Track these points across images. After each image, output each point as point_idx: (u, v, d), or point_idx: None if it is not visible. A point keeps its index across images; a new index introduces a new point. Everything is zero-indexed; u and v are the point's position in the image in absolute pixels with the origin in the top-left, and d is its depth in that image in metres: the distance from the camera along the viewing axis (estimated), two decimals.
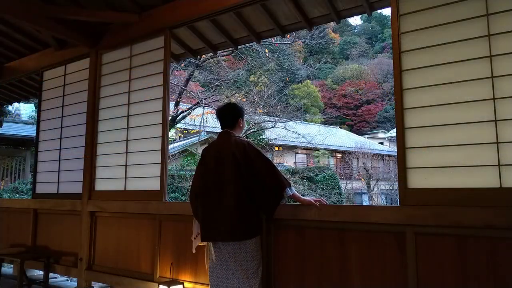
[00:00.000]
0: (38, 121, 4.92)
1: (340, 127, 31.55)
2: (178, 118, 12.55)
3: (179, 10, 3.59)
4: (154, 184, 3.55)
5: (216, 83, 13.29)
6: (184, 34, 4.00)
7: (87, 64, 4.32)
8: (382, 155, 23.46)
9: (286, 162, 20.45)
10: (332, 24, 23.32)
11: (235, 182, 2.50)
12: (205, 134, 13.12)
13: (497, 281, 2.04)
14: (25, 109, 15.44)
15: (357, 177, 21.02)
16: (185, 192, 10.30)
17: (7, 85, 5.86)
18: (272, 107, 13.87)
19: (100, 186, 4.03)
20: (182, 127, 14.57)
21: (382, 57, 38.47)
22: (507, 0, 2.20)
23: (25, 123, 13.29)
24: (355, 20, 54.77)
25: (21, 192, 9.59)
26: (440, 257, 2.21)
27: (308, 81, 30.95)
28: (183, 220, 3.22)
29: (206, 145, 2.85)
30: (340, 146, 24.53)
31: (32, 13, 3.76)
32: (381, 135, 32.13)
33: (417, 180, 2.36)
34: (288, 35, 11.50)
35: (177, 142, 14.52)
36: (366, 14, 3.48)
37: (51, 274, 4.26)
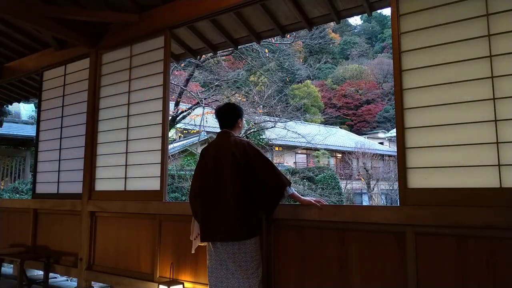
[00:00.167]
0: (38, 121, 4.92)
1: (340, 127, 31.56)
2: (178, 118, 12.55)
3: (179, 10, 3.59)
4: (154, 184, 3.55)
5: (216, 83, 13.29)
6: (184, 34, 4.00)
7: (87, 64, 4.32)
8: (382, 155, 23.47)
9: (286, 162, 20.45)
10: (332, 24, 23.33)
11: (235, 182, 2.50)
12: (205, 134, 13.12)
13: (497, 281, 2.04)
14: (25, 109, 15.43)
15: (357, 177, 21.02)
16: (185, 192, 10.31)
17: (7, 85, 5.86)
18: (272, 107, 13.88)
19: (100, 186, 4.03)
20: (182, 127, 14.57)
21: (382, 57, 38.48)
22: (507, 0, 2.20)
23: (25, 123, 13.29)
24: (355, 20, 54.84)
25: (21, 192, 9.59)
26: (440, 257, 2.21)
27: (308, 81, 30.94)
28: (183, 220, 3.21)
29: (206, 145, 2.85)
30: (340, 146, 24.54)
31: (32, 13, 3.76)
32: (381, 135, 32.13)
33: (417, 180, 2.36)
34: (288, 35, 11.50)
35: (177, 142, 14.52)
36: (366, 14, 3.48)
37: (51, 274, 4.26)
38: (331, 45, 35.47)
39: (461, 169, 2.24)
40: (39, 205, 4.58)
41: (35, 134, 5.00)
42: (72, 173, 4.33)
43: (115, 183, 3.89)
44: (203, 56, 11.60)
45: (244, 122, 12.45)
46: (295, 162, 22.40)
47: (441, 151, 2.31)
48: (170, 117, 7.52)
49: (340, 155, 24.81)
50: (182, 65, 12.92)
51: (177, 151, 12.80)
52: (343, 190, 17.95)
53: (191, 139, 14.45)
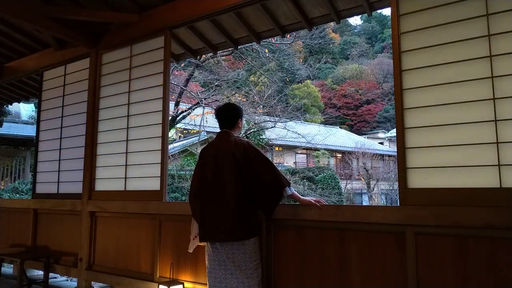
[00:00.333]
0: (38, 121, 4.92)
1: (340, 127, 31.56)
2: (178, 118, 12.55)
3: (179, 10, 3.59)
4: (154, 184, 3.55)
5: (216, 83, 13.29)
6: (184, 34, 4.00)
7: (87, 64, 4.32)
8: (382, 155, 23.47)
9: (286, 162, 20.45)
10: (332, 24, 23.32)
11: (235, 182, 2.50)
12: (205, 134, 13.12)
13: (497, 281, 2.04)
14: (25, 109, 15.43)
15: (357, 177, 21.02)
16: (185, 192, 10.31)
17: (7, 85, 5.86)
18: (272, 107, 13.88)
19: (100, 186, 4.03)
20: (182, 127, 14.58)
21: (382, 57, 38.49)
22: (507, 0, 2.20)
23: (25, 123, 13.29)
24: (355, 20, 54.85)
25: (21, 192, 9.59)
26: (440, 257, 2.21)
27: (308, 81, 30.94)
28: (183, 220, 3.21)
29: (205, 145, 2.84)
30: (340, 146, 24.54)
31: (32, 13, 3.76)
32: (381, 135, 32.14)
33: (417, 180, 2.36)
34: (288, 35, 11.50)
35: (177, 142, 14.52)
36: (366, 14, 3.48)
37: (51, 274, 4.26)
38: (331, 45, 35.48)
39: (461, 169, 2.24)
40: (39, 205, 4.58)
41: (35, 134, 5.00)
42: (72, 173, 4.33)
43: (115, 183, 3.89)
44: (203, 56, 11.60)
45: (244, 122, 12.48)
46: (295, 162, 22.40)
47: (441, 151, 2.31)
48: (170, 117, 7.53)
49: (340, 155, 24.81)
50: (182, 65, 12.92)
51: (177, 151, 12.80)
52: (343, 190, 17.95)
53: (191, 139, 14.45)
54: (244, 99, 13.87)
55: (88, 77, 4.27)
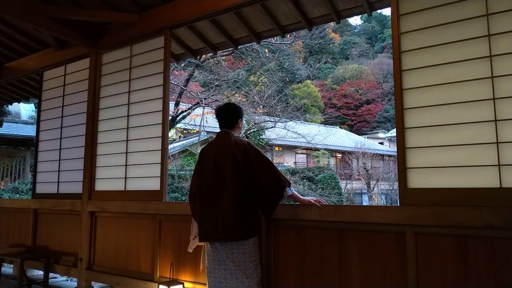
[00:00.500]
0: (38, 121, 4.92)
1: (340, 127, 31.56)
2: (178, 118, 12.55)
3: (179, 10, 3.59)
4: (154, 184, 3.55)
5: (216, 83, 13.30)
6: (184, 34, 4.00)
7: (87, 64, 4.32)
8: (382, 155, 23.47)
9: (286, 162, 20.44)
10: (332, 24, 23.32)
11: (235, 182, 2.50)
12: (205, 134, 13.12)
13: (497, 281, 2.04)
14: (25, 109, 15.44)
15: (357, 177, 21.01)
16: (185, 192, 10.31)
17: (7, 85, 5.86)
18: (272, 107, 13.88)
19: (100, 186, 4.03)
20: (182, 127, 14.58)
21: (382, 57, 38.50)
22: (507, 0, 2.20)
23: (25, 123, 13.29)
24: (355, 20, 54.89)
25: (21, 192, 9.59)
26: (440, 257, 2.21)
27: (308, 81, 30.95)
28: (183, 220, 3.21)
29: (205, 145, 2.84)
30: (340, 146, 24.54)
31: (32, 13, 3.76)
32: (381, 135, 32.13)
33: (417, 180, 2.36)
34: (288, 35, 11.50)
35: (177, 142, 14.52)
36: (366, 14, 3.48)
37: (51, 274, 4.26)
38: (331, 45, 35.47)
39: (461, 169, 2.24)
40: (39, 205, 4.58)
41: (35, 134, 5.00)
42: (72, 173, 4.33)
43: (115, 183, 3.89)
44: (203, 56, 11.61)
45: (244, 122, 12.48)
46: (295, 162, 22.40)
47: (441, 151, 2.31)
48: (170, 117, 7.52)
49: (340, 155, 24.81)
50: (182, 65, 12.93)
51: (177, 151, 12.80)
52: (343, 190, 17.95)
53: (191, 139, 14.45)
54: (244, 99, 13.88)
55: (88, 77, 4.27)
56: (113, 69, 4.10)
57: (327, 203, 2.70)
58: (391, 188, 18.61)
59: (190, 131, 14.86)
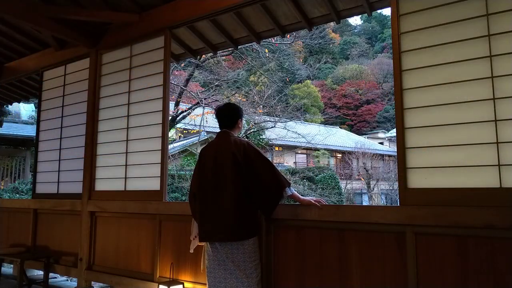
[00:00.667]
0: (38, 121, 4.92)
1: (340, 127, 31.56)
2: (178, 118, 12.55)
3: (179, 10, 3.59)
4: (154, 184, 3.55)
5: (216, 83, 13.29)
6: (184, 34, 4.00)
7: (87, 64, 4.32)
8: (382, 155, 23.47)
9: (286, 162, 20.45)
10: (332, 24, 23.33)
11: (235, 182, 2.50)
12: (205, 134, 13.12)
13: (497, 281, 2.04)
14: (25, 109, 15.44)
15: (357, 177, 21.01)
16: (185, 192, 10.31)
17: (7, 85, 5.86)
18: (272, 107, 13.88)
19: (100, 186, 4.03)
20: (182, 127, 14.58)
21: (382, 57, 38.50)
22: (507, 0, 2.20)
23: (25, 123, 13.29)
24: (355, 20, 54.89)
25: (21, 192, 9.59)
26: (440, 257, 2.21)
27: (308, 81, 30.95)
28: (183, 220, 3.21)
29: (205, 145, 2.84)
30: (340, 146, 24.54)
31: (32, 13, 3.75)
32: (381, 135, 32.14)
33: (417, 180, 2.36)
34: (288, 35, 11.50)
35: (177, 142, 14.52)
36: (366, 14, 3.48)
37: (51, 274, 4.26)
38: (331, 45, 35.48)
39: (461, 169, 2.24)
40: (39, 205, 4.58)
41: (35, 134, 5.00)
42: (72, 173, 4.33)
43: (115, 183, 3.89)
44: (203, 56, 11.61)
45: (244, 122, 12.48)
46: (295, 162, 22.40)
47: (441, 151, 2.31)
48: (170, 117, 7.52)
49: (340, 155, 24.81)
50: (182, 65, 12.93)
51: (177, 151, 12.80)
52: (343, 190, 17.95)
53: (191, 139, 14.45)
54: (244, 99, 13.88)
55: (88, 77, 4.27)
56: (113, 69, 4.10)
57: (327, 203, 2.70)
58: (391, 188, 18.61)
59: (190, 131, 14.85)
